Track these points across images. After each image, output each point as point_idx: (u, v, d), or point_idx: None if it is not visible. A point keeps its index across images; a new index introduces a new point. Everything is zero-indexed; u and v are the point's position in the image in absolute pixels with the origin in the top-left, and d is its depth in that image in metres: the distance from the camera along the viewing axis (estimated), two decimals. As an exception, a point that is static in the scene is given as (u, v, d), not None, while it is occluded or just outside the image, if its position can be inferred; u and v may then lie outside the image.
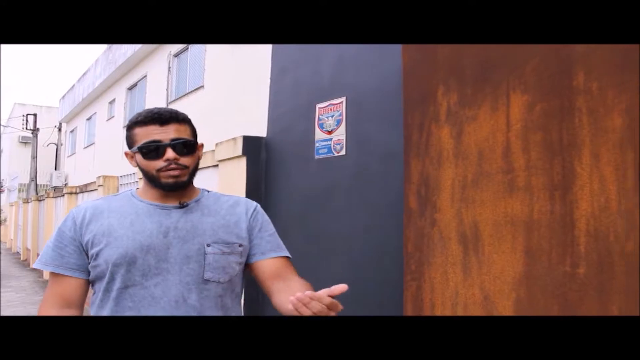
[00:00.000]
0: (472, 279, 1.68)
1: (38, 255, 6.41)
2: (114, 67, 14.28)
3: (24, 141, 25.54)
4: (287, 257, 1.55)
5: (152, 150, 1.42)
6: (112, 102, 15.48)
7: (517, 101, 1.60)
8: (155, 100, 11.86)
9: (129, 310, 1.41)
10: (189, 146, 1.45)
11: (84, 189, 8.48)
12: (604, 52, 1.40)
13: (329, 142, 2.54)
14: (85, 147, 18.23)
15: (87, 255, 1.45)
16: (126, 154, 1.55)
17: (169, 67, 11.34)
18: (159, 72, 11.87)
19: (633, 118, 1.33)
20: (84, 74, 17.96)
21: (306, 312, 1.11)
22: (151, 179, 1.48)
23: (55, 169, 21.59)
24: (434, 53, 1.90)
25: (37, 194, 19.52)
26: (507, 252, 1.59)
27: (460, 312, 1.71)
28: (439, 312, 1.78)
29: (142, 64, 13.03)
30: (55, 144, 22.32)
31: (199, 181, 1.56)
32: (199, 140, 1.51)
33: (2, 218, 13.57)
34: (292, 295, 1.16)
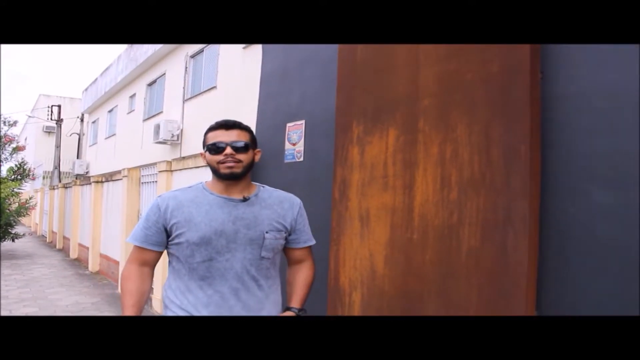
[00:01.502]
0: (364, 243, 2.71)
1: (64, 237, 7.98)
2: (135, 64, 15.25)
3: (48, 131, 26.67)
4: (310, 245, 2.12)
5: (216, 148, 1.88)
6: (132, 96, 16.46)
7: (391, 134, 2.62)
8: (172, 96, 12.91)
9: (206, 278, 1.86)
10: (244, 147, 1.89)
11: (109, 177, 9.58)
12: (434, 107, 2.41)
13: (293, 151, 3.57)
14: (106, 138, 19.26)
15: (168, 234, 1.89)
16: (201, 154, 2.00)
17: (186, 67, 12.36)
18: (176, 71, 12.88)
19: (443, 149, 2.34)
20: (107, 68, 18.93)
21: None
22: (214, 170, 1.91)
23: (78, 158, 22.73)
24: (352, 98, 2.91)
25: (60, 181, 20.64)
26: (382, 226, 2.61)
27: (358, 264, 2.74)
28: (347, 265, 2.81)
29: (161, 62, 14.00)
30: (77, 134, 23.49)
31: (204, 177, 2.51)
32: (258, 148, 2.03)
33: (31, 204, 14.75)
34: (292, 280, 2.04)
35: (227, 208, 1.89)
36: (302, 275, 2.08)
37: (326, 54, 3.38)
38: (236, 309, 1.87)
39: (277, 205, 2.00)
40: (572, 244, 1.94)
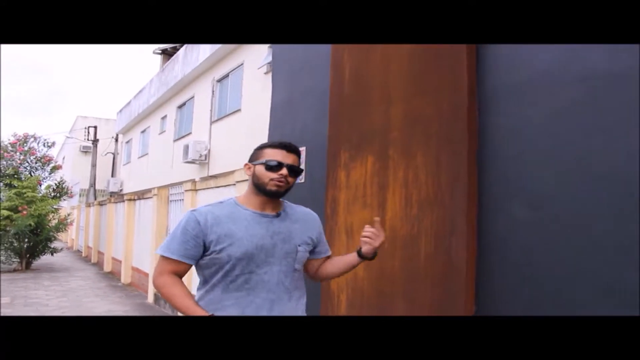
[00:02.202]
0: (349, 252, 3.20)
1: (99, 252, 8.70)
2: (166, 88, 16.10)
3: (85, 150, 27.87)
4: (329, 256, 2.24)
5: (274, 165, 1.95)
6: (164, 117, 17.33)
7: (369, 161, 3.12)
8: (200, 118, 13.66)
9: (243, 289, 1.92)
10: (296, 172, 2.01)
11: (141, 196, 10.27)
12: (400, 138, 2.90)
13: (295, 173, 4.14)
14: (139, 157, 20.17)
15: (205, 249, 1.92)
16: (246, 165, 2.07)
17: (213, 91, 13.10)
18: (204, 94, 13.65)
19: (407, 173, 2.83)
20: (140, 91, 19.91)
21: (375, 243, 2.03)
22: (260, 185, 1.97)
23: (112, 176, 23.79)
24: (340, 129, 3.42)
25: (95, 198, 21.65)
26: (361, 238, 3.10)
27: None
28: (335, 270, 3.29)
29: (190, 86, 14.81)
30: (112, 153, 24.59)
31: (224, 195, 2.97)
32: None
33: (70, 220, 15.64)
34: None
35: (264, 223, 1.98)
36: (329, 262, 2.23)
37: (323, 86, 3.89)
38: (265, 309, 1.95)
39: (302, 220, 2.12)
40: (501, 252, 2.40)
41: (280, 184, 1.95)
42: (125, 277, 10.63)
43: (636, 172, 1.86)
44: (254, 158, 2.03)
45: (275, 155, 1.98)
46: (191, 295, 1.92)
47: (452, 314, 2.52)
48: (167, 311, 7.41)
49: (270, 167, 1.95)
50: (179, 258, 1.92)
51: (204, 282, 1.99)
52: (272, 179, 1.95)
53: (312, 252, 2.14)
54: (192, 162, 12.66)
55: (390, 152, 2.97)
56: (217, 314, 1.90)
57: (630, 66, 1.91)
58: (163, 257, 1.95)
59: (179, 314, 1.93)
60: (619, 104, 1.95)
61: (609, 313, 1.93)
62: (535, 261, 2.24)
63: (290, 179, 1.98)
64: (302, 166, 4.04)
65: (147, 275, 8.86)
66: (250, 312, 1.92)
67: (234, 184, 5.16)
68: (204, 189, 6.47)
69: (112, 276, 11.87)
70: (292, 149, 2.02)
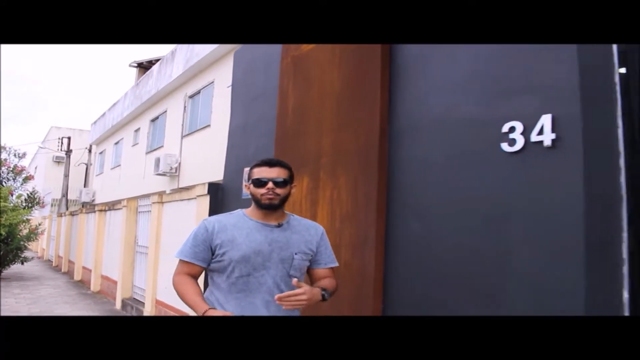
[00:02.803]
0: (287, 259, 3.75)
1: (69, 261, 9.18)
2: (140, 102, 16.46)
3: (58, 160, 27.89)
4: (333, 267, 2.32)
5: (260, 182, 2.16)
6: (137, 130, 17.61)
7: (305, 181, 3.67)
8: (172, 132, 14.07)
9: (243, 291, 2.11)
10: (283, 183, 2.17)
11: (111, 207, 10.65)
12: (328, 163, 3.46)
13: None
14: (112, 168, 20.35)
15: (212, 252, 2.15)
16: (245, 185, 2.34)
17: (184, 106, 13.54)
18: (176, 109, 14.07)
19: (333, 193, 3.39)
20: (114, 104, 20.18)
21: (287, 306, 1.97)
22: (256, 201, 2.17)
23: (85, 187, 23.87)
24: (284, 153, 3.97)
25: (67, 208, 21.75)
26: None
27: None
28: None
29: (163, 101, 15.20)
30: (85, 163, 24.70)
31: (188, 209, 3.47)
32: (294, 181, 2.28)
33: (41, 230, 15.83)
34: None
35: (264, 232, 2.17)
36: (328, 280, 2.29)
37: (273, 114, 4.45)
38: (260, 314, 2.12)
39: (304, 232, 2.29)
40: (402, 257, 2.97)
41: (270, 197, 2.15)
42: (95, 285, 10.95)
43: (502, 195, 2.45)
44: (247, 178, 2.27)
45: (260, 172, 2.19)
46: (200, 293, 2.12)
47: (365, 312, 3.07)
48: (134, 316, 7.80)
49: (258, 184, 2.17)
50: (190, 260, 2.16)
51: (211, 284, 2.21)
52: (262, 194, 2.16)
53: (312, 261, 2.30)
54: (163, 174, 13.04)
55: (320, 174, 3.53)
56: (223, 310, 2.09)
57: (498, 117, 2.49)
58: (180, 261, 2.21)
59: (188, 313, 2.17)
60: (487, 142, 2.53)
61: (474, 308, 2.50)
62: (429, 263, 2.81)
63: (278, 191, 2.17)
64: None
65: (115, 282, 9.24)
66: (249, 311, 2.10)
67: (195, 198, 5.67)
68: (169, 201, 6.95)
69: (82, 284, 12.15)
70: (274, 164, 2.23)
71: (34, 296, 9.91)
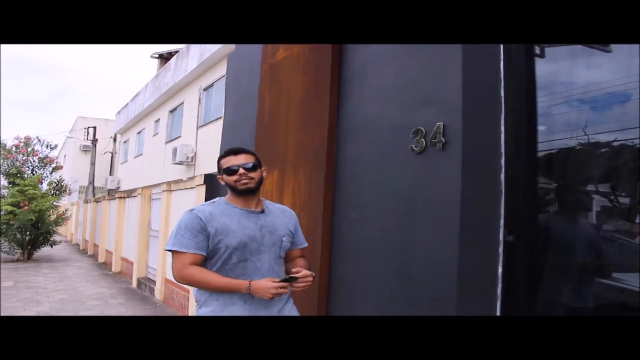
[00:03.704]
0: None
1: (94, 245, 10.15)
2: (159, 93, 17.21)
3: (85, 149, 29.06)
4: (304, 247, 2.55)
5: (230, 170, 2.28)
6: (157, 121, 18.42)
7: (275, 174, 4.26)
8: (189, 123, 14.80)
9: (241, 275, 2.20)
10: (252, 167, 2.29)
11: (129, 194, 11.44)
12: (292, 159, 4.04)
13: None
14: (135, 157, 21.26)
15: (208, 241, 2.19)
16: (218, 177, 2.37)
17: (199, 98, 14.23)
18: (192, 101, 14.78)
19: (294, 184, 3.97)
20: (136, 95, 21.00)
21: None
22: (233, 188, 2.29)
23: (110, 174, 24.92)
24: (261, 149, 4.56)
25: (94, 195, 22.83)
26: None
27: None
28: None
29: (180, 92, 15.93)
30: (110, 152, 25.76)
31: (187, 197, 4.03)
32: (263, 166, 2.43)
33: (67, 215, 16.84)
34: (293, 267, 2.28)
35: (253, 218, 2.30)
36: (302, 260, 2.51)
37: (255, 115, 5.03)
38: (263, 302, 2.21)
39: (282, 215, 2.45)
40: (344, 241, 3.55)
41: (245, 181, 2.27)
42: (115, 266, 11.80)
43: (410, 188, 3.00)
44: (218, 170, 2.39)
45: (228, 162, 2.33)
46: (210, 273, 2.19)
47: (313, 285, 3.65)
48: (147, 294, 8.57)
49: (230, 173, 2.30)
50: (195, 251, 2.19)
51: (210, 268, 2.24)
52: (236, 181, 2.28)
53: (290, 242, 2.45)
54: (180, 163, 13.79)
55: (286, 169, 4.12)
56: (220, 300, 2.20)
57: (410, 123, 3.03)
58: (179, 253, 2.19)
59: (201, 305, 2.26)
60: (403, 143, 3.06)
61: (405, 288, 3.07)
62: (361, 245, 3.38)
63: (251, 174, 2.30)
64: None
65: (131, 263, 10.03)
66: (249, 298, 2.19)
67: (194, 187, 6.32)
68: (176, 190, 7.63)
69: (105, 266, 13.05)
70: (237, 151, 2.36)
71: (60, 275, 10.80)
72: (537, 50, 3.45)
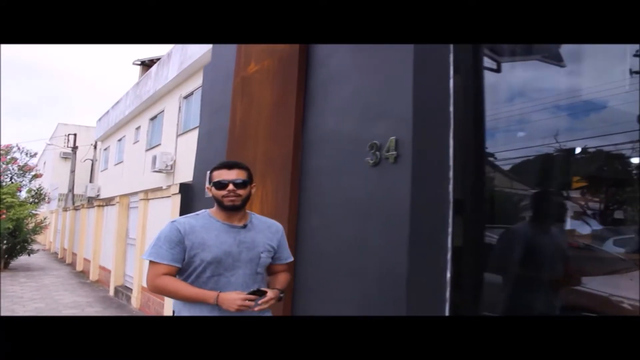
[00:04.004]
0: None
1: (73, 253, 10.22)
2: (140, 101, 17.28)
3: (65, 156, 28.91)
4: (290, 261, 2.55)
5: (220, 184, 2.28)
6: (138, 128, 18.48)
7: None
8: (169, 131, 14.88)
9: (213, 290, 2.20)
10: (242, 183, 2.29)
11: (108, 202, 11.49)
12: (261, 169, 4.21)
13: (207, 190, 5.43)
14: (115, 164, 21.25)
15: (184, 253, 2.22)
16: (207, 187, 2.39)
17: (179, 107, 14.34)
18: (172, 109, 14.88)
19: (263, 192, 4.13)
20: (117, 102, 21.02)
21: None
22: (219, 202, 2.29)
23: (90, 182, 24.83)
24: (232, 158, 4.71)
25: (73, 203, 22.71)
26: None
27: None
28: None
29: (161, 100, 16.01)
30: (91, 159, 25.66)
31: (164, 206, 4.17)
32: (254, 182, 2.46)
33: (45, 224, 16.76)
34: (273, 282, 2.40)
35: (232, 233, 2.29)
36: (283, 275, 2.54)
37: (227, 125, 5.20)
38: (236, 314, 2.20)
39: (266, 230, 2.44)
40: (308, 245, 3.72)
41: (232, 198, 2.28)
42: (93, 275, 11.82)
43: (366, 197, 3.18)
44: (209, 181, 2.39)
45: (219, 175, 2.32)
46: (192, 285, 2.23)
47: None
48: (124, 302, 8.63)
49: (219, 187, 2.30)
50: (170, 263, 2.23)
51: (184, 280, 2.28)
52: (223, 196, 2.28)
53: (273, 257, 2.46)
54: (160, 171, 13.87)
55: (255, 177, 4.27)
56: (191, 311, 2.22)
57: (366, 137, 3.21)
58: (155, 263, 2.24)
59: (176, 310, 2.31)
60: (359, 155, 3.24)
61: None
62: (323, 249, 3.55)
63: (240, 192, 2.30)
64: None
65: (109, 271, 10.08)
66: (218, 310, 2.18)
67: (170, 196, 6.45)
68: (152, 198, 7.74)
69: (83, 274, 13.04)
70: (232, 165, 2.36)
71: (37, 284, 10.80)
72: (495, 65, 3.69)
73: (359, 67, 3.38)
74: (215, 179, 2.33)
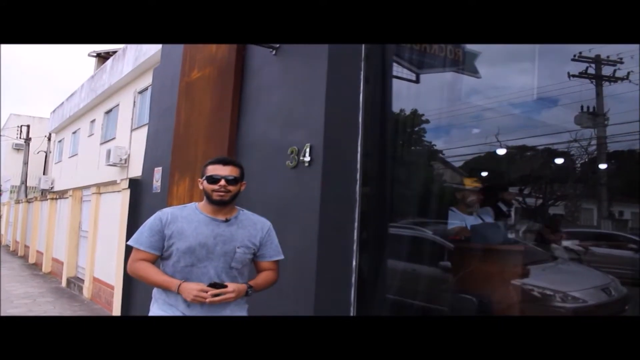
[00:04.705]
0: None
1: (25, 246, 10.50)
2: (95, 94, 17.26)
3: (17, 148, 28.32)
4: (279, 259, 2.55)
5: (213, 179, 2.34)
6: (92, 121, 18.41)
7: (187, 181, 4.82)
8: (123, 125, 15.00)
9: (186, 279, 2.26)
10: (234, 180, 2.36)
11: (61, 195, 11.63)
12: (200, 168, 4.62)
13: (156, 185, 5.79)
14: (70, 157, 21.03)
15: (164, 242, 2.31)
16: (198, 180, 2.47)
17: (134, 101, 14.47)
18: (127, 103, 14.99)
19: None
20: (72, 94, 20.81)
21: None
22: (208, 196, 2.35)
23: (44, 174, 24.48)
24: (176, 159, 5.10)
25: (26, 196, 22.42)
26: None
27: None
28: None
29: (116, 94, 16.06)
30: (44, 151, 25.31)
31: (117, 199, 4.45)
32: (245, 179, 2.51)
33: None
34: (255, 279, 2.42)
35: (211, 226, 2.35)
36: (264, 273, 2.53)
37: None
38: (205, 305, 2.26)
39: (251, 227, 2.47)
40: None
41: (221, 193, 2.35)
42: (46, 267, 11.94)
43: (286, 196, 3.63)
44: (201, 174, 2.45)
45: (214, 170, 2.38)
46: (163, 273, 2.32)
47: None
48: (76, 292, 8.88)
49: (211, 181, 2.37)
50: (147, 249, 2.33)
51: (162, 268, 2.39)
52: (214, 190, 2.35)
53: (257, 254, 2.49)
54: (114, 165, 14.00)
55: (195, 176, 4.69)
56: (170, 298, 2.31)
57: (286, 143, 3.66)
58: (134, 249, 2.36)
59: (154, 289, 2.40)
60: (281, 159, 3.69)
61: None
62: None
63: (230, 188, 2.37)
64: (160, 180, 5.78)
65: (62, 263, 10.27)
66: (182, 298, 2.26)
67: (120, 191, 6.78)
68: (104, 192, 8.02)
69: (35, 267, 13.11)
70: (227, 162, 2.43)
71: (-12, 276, 10.87)
72: (414, 76, 4.21)
73: (284, 79, 3.83)
74: (209, 173, 2.39)
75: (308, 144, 3.44)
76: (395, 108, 3.80)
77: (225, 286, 2.27)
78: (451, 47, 4.09)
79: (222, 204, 2.38)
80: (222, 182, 2.34)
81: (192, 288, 2.22)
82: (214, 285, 2.27)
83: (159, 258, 2.40)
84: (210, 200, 2.38)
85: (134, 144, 13.99)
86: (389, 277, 3.50)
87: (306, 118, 3.54)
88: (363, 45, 3.51)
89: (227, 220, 2.38)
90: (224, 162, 2.42)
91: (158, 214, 2.38)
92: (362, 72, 3.53)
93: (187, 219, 2.35)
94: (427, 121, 4.02)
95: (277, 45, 3.91)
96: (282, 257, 2.61)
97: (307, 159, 3.42)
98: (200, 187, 2.44)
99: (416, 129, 3.99)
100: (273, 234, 2.59)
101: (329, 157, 3.37)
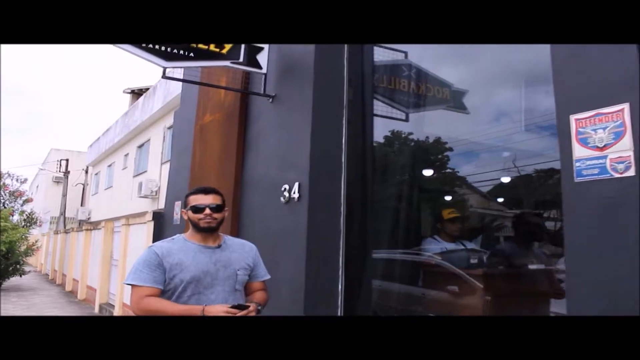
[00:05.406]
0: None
1: (63, 274, 11.26)
2: (128, 130, 18.26)
3: (57, 181, 29.73)
4: (266, 279, 2.67)
5: (197, 208, 2.40)
6: (126, 155, 19.43)
7: (200, 214, 5.39)
8: (154, 159, 15.84)
9: None
10: (218, 208, 2.43)
11: (95, 226, 12.41)
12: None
13: (176, 218, 6.38)
14: (105, 189, 22.08)
15: (165, 275, 2.32)
16: (182, 211, 2.52)
17: (164, 136, 15.30)
18: (157, 138, 15.84)
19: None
20: (107, 130, 21.95)
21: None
22: (194, 225, 2.41)
23: (81, 205, 25.66)
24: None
25: (65, 226, 23.51)
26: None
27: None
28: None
29: (147, 130, 16.97)
30: (82, 184, 26.53)
31: (141, 230, 5.00)
32: (226, 206, 2.56)
33: (37, 246, 17.60)
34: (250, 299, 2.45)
35: (207, 253, 2.40)
36: (259, 293, 2.61)
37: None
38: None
39: (241, 249, 2.56)
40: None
41: (208, 221, 2.40)
42: (81, 294, 12.67)
43: (281, 227, 4.14)
44: (185, 205, 2.50)
45: (196, 200, 2.44)
46: (166, 302, 2.30)
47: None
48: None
49: (196, 210, 2.42)
50: (152, 284, 2.31)
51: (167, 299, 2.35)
52: (200, 219, 2.40)
53: (250, 275, 2.56)
54: (145, 197, 14.79)
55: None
56: None
57: (281, 181, 4.19)
58: (137, 287, 2.31)
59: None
60: (277, 195, 4.21)
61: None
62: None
63: (215, 215, 2.43)
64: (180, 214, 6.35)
65: (94, 290, 10.96)
66: None
67: (146, 223, 7.40)
68: (132, 224, 8.68)
69: (71, 294, 13.88)
70: (209, 191, 2.48)
71: (28, 303, 11.64)
72: (403, 115, 4.71)
73: (278, 124, 4.38)
74: (192, 204, 2.44)
75: (297, 182, 3.96)
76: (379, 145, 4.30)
77: (248, 307, 2.34)
78: (438, 87, 4.58)
79: (211, 231, 2.44)
80: (207, 210, 2.40)
81: (218, 310, 2.25)
82: (238, 307, 2.31)
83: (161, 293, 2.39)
84: (198, 229, 2.43)
85: (163, 177, 14.78)
86: (373, 295, 3.95)
87: (295, 159, 4.05)
88: (345, 90, 4.03)
89: (219, 246, 2.47)
90: (205, 191, 2.49)
91: (151, 248, 2.41)
92: (344, 115, 4.04)
93: (182, 250, 2.39)
94: (411, 153, 4.50)
95: (274, 94, 4.47)
96: (269, 277, 2.72)
97: (296, 195, 3.93)
98: (185, 217, 2.50)
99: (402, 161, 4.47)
100: (259, 255, 2.71)
101: (315, 193, 3.88)
